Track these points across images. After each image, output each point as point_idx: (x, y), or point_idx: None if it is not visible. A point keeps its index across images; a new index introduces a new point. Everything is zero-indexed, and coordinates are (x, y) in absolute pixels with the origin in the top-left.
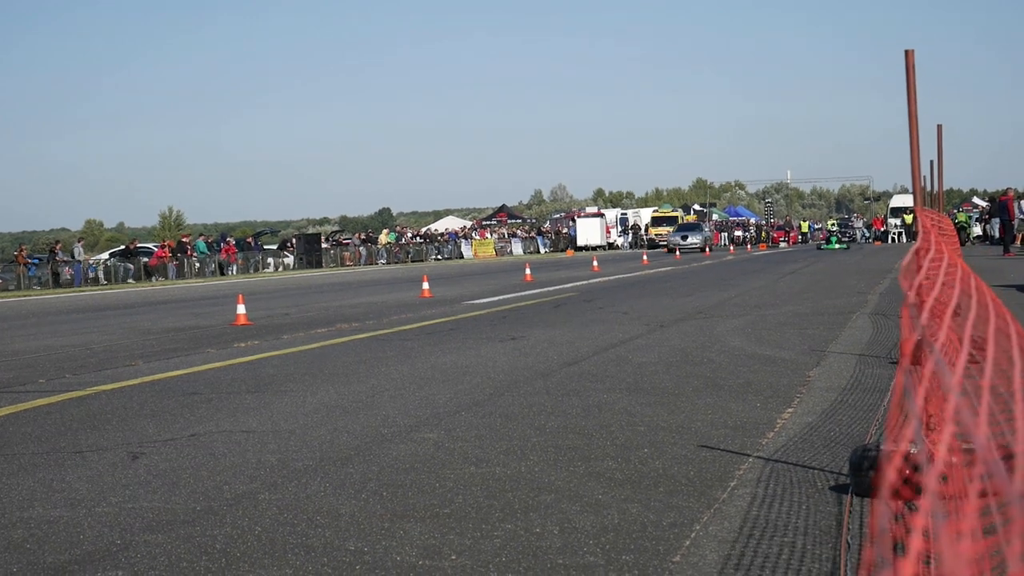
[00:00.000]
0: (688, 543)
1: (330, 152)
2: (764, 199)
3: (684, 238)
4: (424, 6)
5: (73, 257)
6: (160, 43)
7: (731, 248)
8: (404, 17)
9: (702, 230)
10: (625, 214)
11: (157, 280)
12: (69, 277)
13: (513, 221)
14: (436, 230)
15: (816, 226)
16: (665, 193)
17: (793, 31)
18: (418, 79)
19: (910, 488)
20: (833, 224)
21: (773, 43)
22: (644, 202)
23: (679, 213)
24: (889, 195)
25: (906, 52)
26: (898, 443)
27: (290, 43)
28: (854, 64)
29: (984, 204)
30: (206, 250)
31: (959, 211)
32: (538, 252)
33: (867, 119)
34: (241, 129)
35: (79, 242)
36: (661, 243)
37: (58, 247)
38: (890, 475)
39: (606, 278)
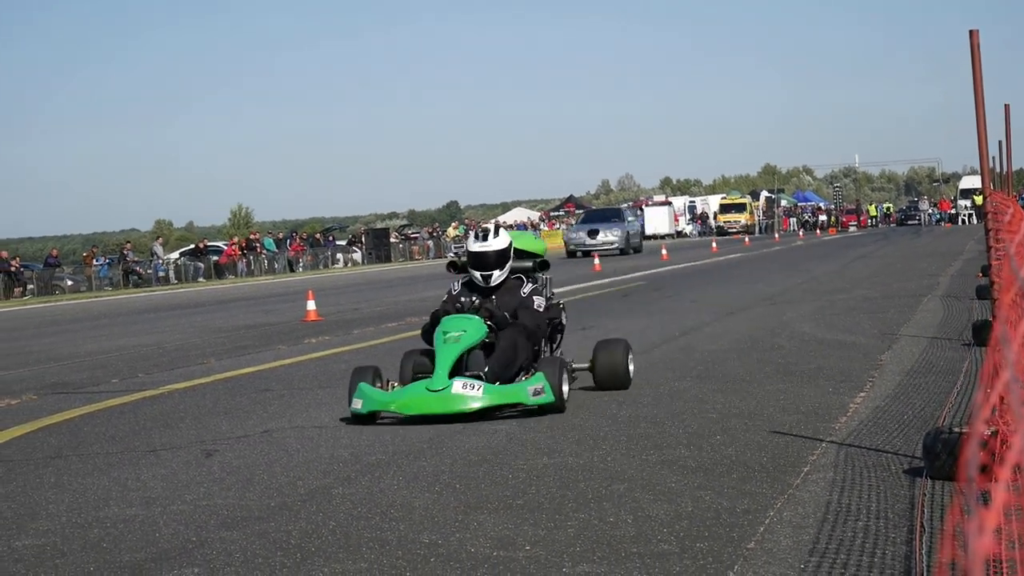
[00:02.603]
0: (762, 529)
1: (397, 146)
2: (832, 183)
3: (593, 235)
4: None
5: (154, 255)
6: (221, 40)
7: (800, 233)
8: (467, 6)
9: (622, 221)
10: (693, 202)
11: (227, 278)
12: (150, 273)
13: (581, 212)
14: (504, 222)
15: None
16: (733, 180)
17: (857, 13)
18: (482, 71)
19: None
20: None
21: (837, 26)
22: (712, 189)
23: (747, 200)
24: (958, 177)
25: (971, 32)
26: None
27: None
28: (919, 46)
29: None
30: (275, 247)
31: None
32: None
33: (935, 101)
34: (308, 125)
35: (158, 240)
36: (730, 230)
37: (128, 247)
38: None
39: (675, 266)
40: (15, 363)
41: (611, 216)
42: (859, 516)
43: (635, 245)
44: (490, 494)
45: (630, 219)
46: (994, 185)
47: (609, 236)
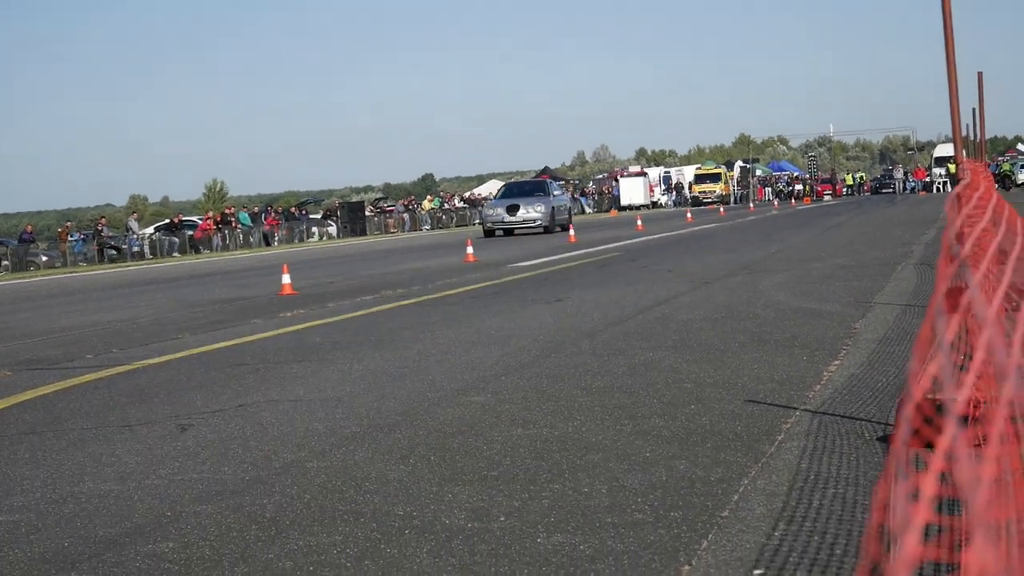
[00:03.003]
0: (736, 498)
1: (371, 119)
2: (807, 153)
3: (512, 211)
4: None
5: (129, 230)
6: (194, 12)
7: (775, 203)
8: None
9: (546, 195)
10: (668, 172)
11: (203, 253)
12: (125, 249)
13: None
14: (479, 194)
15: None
16: (707, 150)
17: None
18: (453, 42)
19: (933, 430)
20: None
21: None
22: (687, 160)
23: (722, 170)
24: (933, 145)
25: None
26: (921, 385)
27: (327, 8)
28: (893, 12)
29: None
30: (250, 222)
31: (1004, 159)
32: (582, 213)
33: (909, 69)
34: (281, 98)
35: (133, 215)
36: (705, 200)
37: (103, 222)
38: (909, 414)
39: (650, 237)
40: None
41: (534, 190)
42: (835, 484)
43: (562, 222)
44: (464, 466)
45: (556, 193)
46: (968, 153)
47: (531, 213)
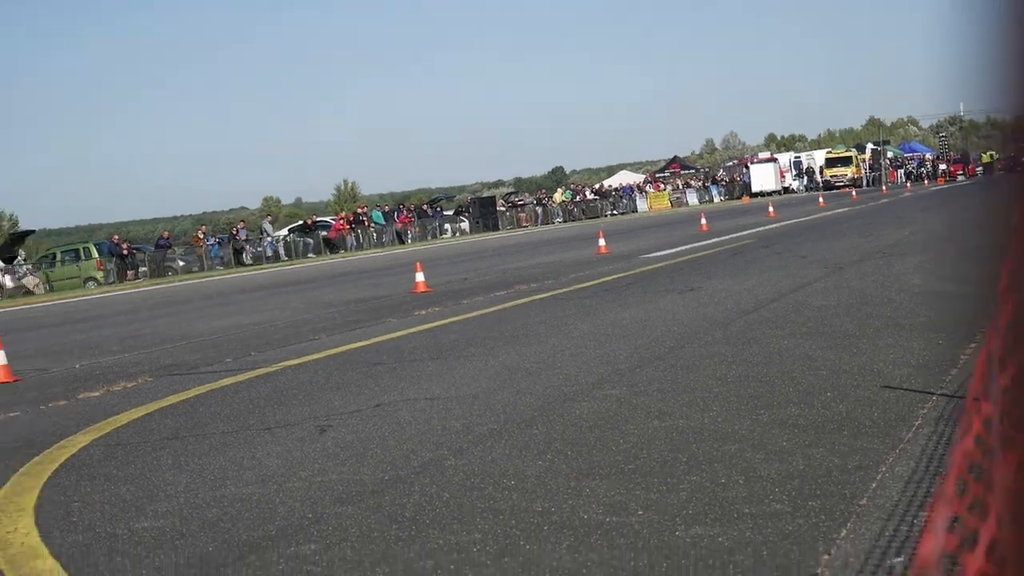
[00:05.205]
0: (874, 485)
1: (501, 114)
2: (938, 133)
3: None
4: None
5: (264, 233)
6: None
7: (908, 184)
8: None
9: None
10: (799, 157)
11: (337, 253)
12: (260, 251)
13: (686, 172)
14: (610, 186)
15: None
16: (838, 134)
17: None
18: (585, 37)
19: None
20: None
21: None
22: (817, 144)
23: (853, 153)
24: None
25: None
26: None
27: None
28: None
29: None
30: (383, 220)
31: None
32: (713, 201)
33: None
34: (412, 97)
35: (267, 218)
36: (837, 184)
37: (241, 225)
38: None
39: (783, 223)
40: (131, 346)
41: None
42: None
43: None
44: (601, 460)
45: None
46: None
47: None
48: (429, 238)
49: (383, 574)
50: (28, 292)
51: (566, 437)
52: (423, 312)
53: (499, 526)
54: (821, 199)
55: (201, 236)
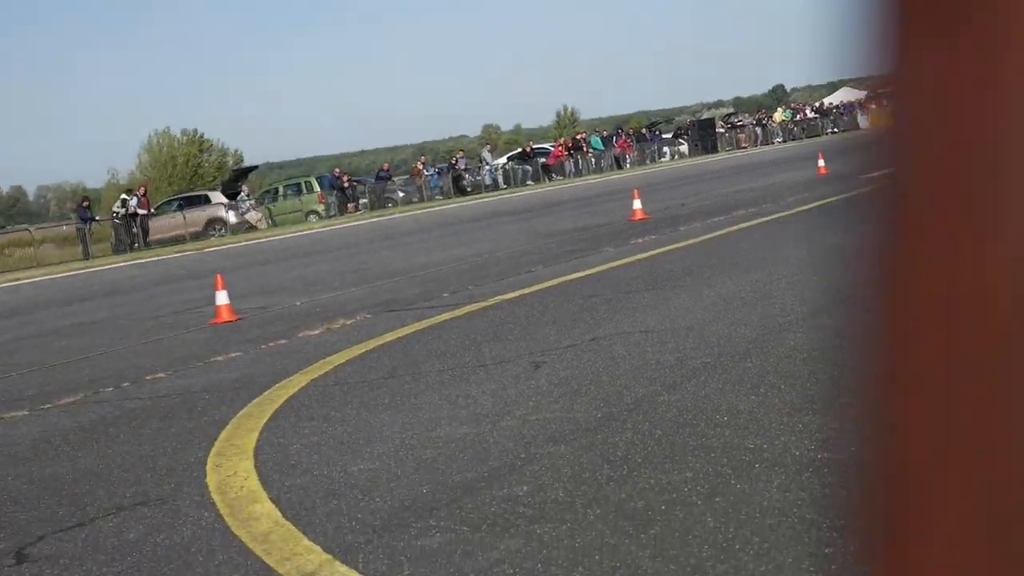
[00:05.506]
0: None
1: (720, 33)
2: None
3: None
4: None
5: (483, 161)
6: None
7: None
8: None
9: None
10: None
11: (555, 180)
12: (479, 180)
13: None
14: (831, 103)
15: None
16: None
17: None
18: None
19: None
20: None
21: None
22: None
23: None
24: None
25: None
26: None
27: None
28: None
29: None
30: (601, 146)
31: None
32: None
33: None
34: (627, 21)
35: (486, 146)
36: None
37: (460, 155)
38: None
39: None
40: (351, 281)
41: None
42: None
43: None
44: (815, 394)
45: None
46: None
47: None
48: (648, 162)
49: (594, 516)
50: (251, 227)
51: (780, 370)
52: (640, 240)
53: (710, 464)
54: None
55: (420, 166)
